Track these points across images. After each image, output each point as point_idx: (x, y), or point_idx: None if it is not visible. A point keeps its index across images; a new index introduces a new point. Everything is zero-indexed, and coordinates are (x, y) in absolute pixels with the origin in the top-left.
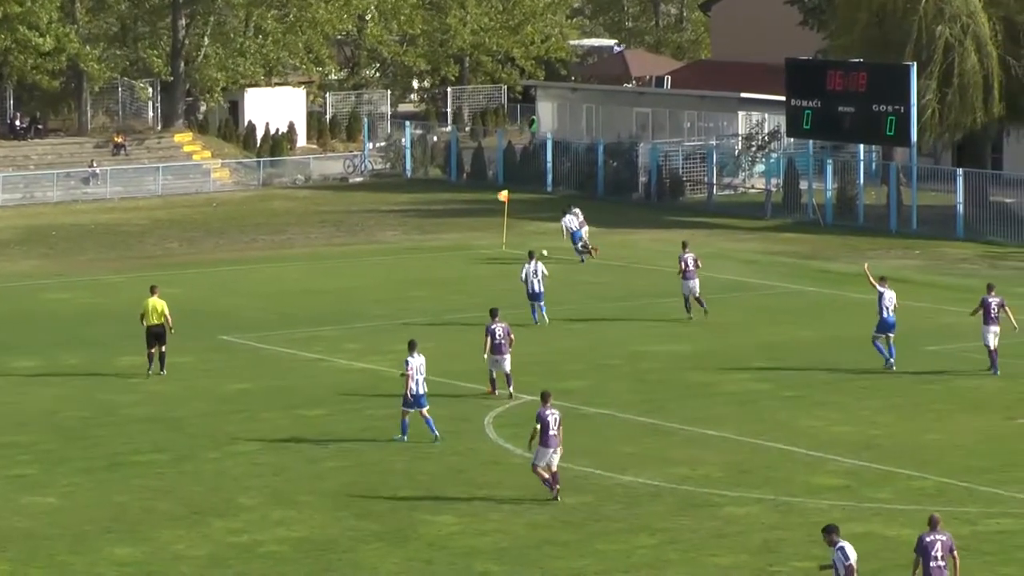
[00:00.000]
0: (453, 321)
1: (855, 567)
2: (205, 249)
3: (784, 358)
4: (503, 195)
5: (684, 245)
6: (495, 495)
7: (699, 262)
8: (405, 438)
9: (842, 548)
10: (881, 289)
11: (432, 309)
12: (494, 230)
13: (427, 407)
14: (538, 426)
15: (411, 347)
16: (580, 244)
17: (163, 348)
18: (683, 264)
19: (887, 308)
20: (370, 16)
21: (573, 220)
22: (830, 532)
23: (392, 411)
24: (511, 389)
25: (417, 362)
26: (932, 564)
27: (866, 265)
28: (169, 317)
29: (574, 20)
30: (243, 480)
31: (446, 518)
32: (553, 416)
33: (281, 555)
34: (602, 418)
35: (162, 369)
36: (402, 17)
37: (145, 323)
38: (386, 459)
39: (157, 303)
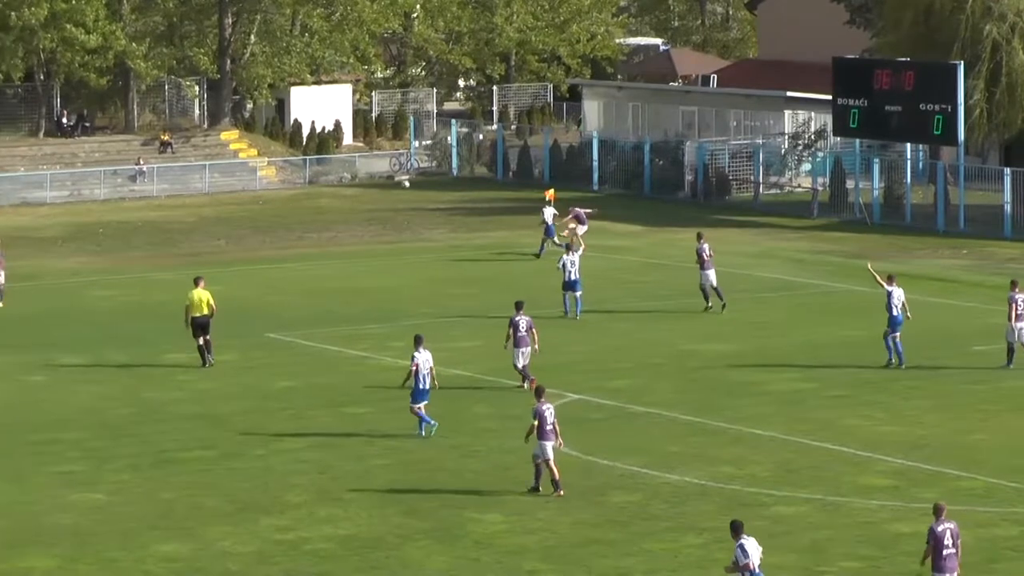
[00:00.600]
0: (499, 318)
1: (752, 566)
2: (251, 247)
3: (830, 357)
4: (549, 193)
5: (699, 236)
6: (542, 493)
7: (712, 252)
8: (434, 424)
9: (741, 545)
10: (889, 288)
11: (478, 307)
12: (540, 228)
13: (425, 403)
14: (535, 422)
15: (417, 342)
16: (555, 238)
17: (208, 337)
18: (700, 255)
19: (895, 307)
20: (416, 14)
21: (550, 214)
22: (737, 530)
23: (438, 410)
24: (525, 384)
25: (423, 357)
26: (945, 552)
27: (869, 265)
28: (214, 306)
29: (620, 18)
30: (289, 477)
31: (493, 516)
32: (549, 411)
33: (328, 552)
34: (648, 417)
35: (209, 355)
36: (448, 15)
37: (190, 315)
38: (433, 457)
39: (202, 294)
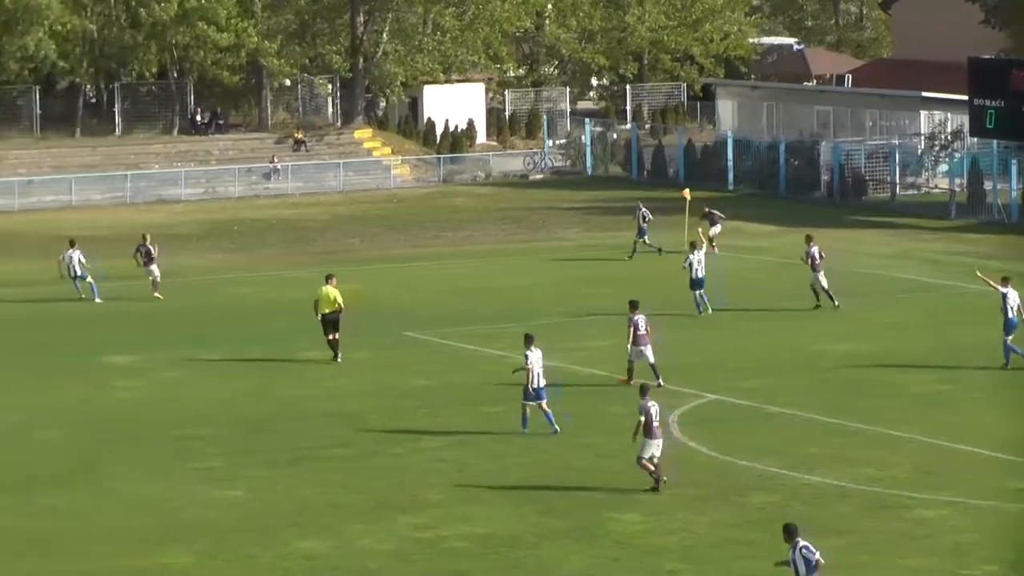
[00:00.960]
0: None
1: (823, 562)
2: (386, 245)
3: (967, 359)
4: (687, 192)
5: (809, 239)
6: (680, 493)
7: (823, 254)
8: (526, 431)
9: (807, 546)
10: (1004, 290)
11: (613, 306)
12: (676, 228)
13: (546, 400)
14: (642, 419)
15: (528, 341)
16: (647, 237)
17: (338, 335)
18: (811, 258)
19: (1011, 308)
20: (548, 13)
21: (646, 215)
22: (792, 533)
23: (575, 408)
24: (660, 380)
25: (535, 356)
26: None
27: (978, 272)
28: (342, 303)
29: (753, 18)
30: (427, 476)
31: (632, 516)
32: (654, 408)
33: (466, 551)
34: (784, 417)
35: (337, 356)
36: (580, 14)
37: (319, 312)
38: (569, 456)
39: (330, 291)
